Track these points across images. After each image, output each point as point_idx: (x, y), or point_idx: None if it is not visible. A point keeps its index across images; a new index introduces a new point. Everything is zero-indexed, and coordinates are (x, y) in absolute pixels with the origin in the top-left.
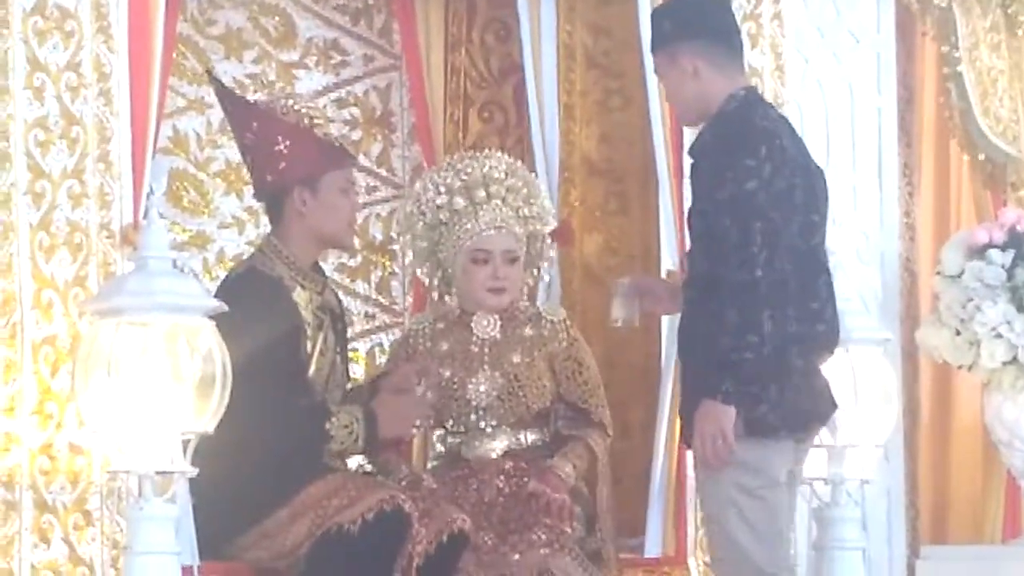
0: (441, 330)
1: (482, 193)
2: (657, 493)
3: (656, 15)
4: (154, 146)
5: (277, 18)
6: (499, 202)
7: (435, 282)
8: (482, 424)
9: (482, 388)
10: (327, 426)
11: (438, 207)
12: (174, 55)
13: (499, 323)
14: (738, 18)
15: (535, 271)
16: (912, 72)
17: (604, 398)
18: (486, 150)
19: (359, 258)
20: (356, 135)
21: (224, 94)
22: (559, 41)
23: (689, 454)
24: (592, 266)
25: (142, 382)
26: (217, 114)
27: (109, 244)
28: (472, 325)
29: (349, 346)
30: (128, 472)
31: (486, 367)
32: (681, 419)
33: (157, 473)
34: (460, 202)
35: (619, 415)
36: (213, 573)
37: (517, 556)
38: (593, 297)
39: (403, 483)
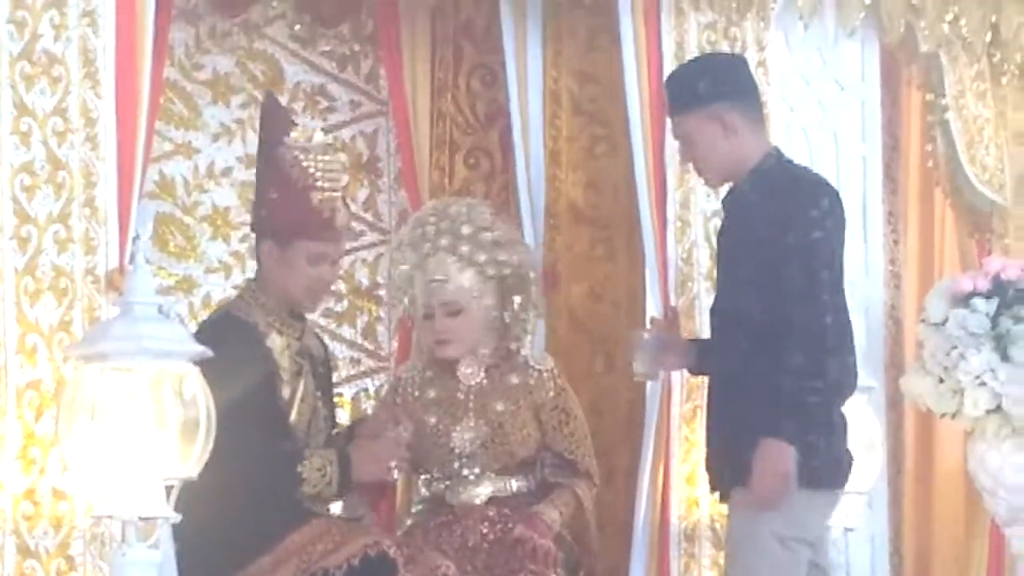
0: (429, 378)
1: (427, 246)
2: (640, 541)
3: (684, 77)
4: (140, 190)
5: (265, 64)
6: (443, 252)
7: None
8: (465, 472)
9: (466, 436)
10: (299, 469)
11: (395, 260)
12: (161, 100)
13: (483, 370)
14: None
15: (510, 315)
16: (897, 120)
17: (591, 448)
18: (442, 197)
19: (345, 303)
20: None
21: (270, 116)
22: (545, 87)
23: (700, 496)
24: (577, 312)
25: (126, 427)
26: (204, 159)
27: (94, 289)
28: (458, 373)
29: (335, 390)
30: (111, 517)
31: (471, 415)
32: (716, 463)
33: (140, 519)
34: (412, 257)
35: (604, 462)
36: None
37: None
38: (578, 343)
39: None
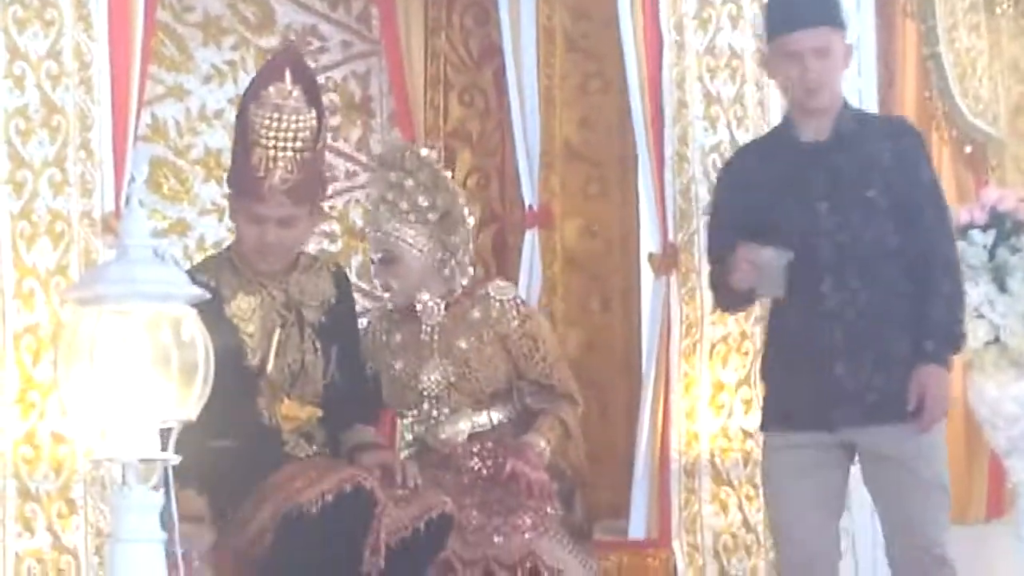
0: (396, 321)
1: (369, 195)
2: (641, 476)
3: None
4: (135, 134)
5: (255, 5)
6: (377, 203)
7: None
8: (435, 412)
9: (433, 377)
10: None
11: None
12: (154, 42)
13: (444, 307)
14: (717, 3)
15: (452, 257)
16: (892, 53)
17: (566, 368)
18: (400, 143)
19: (339, 243)
20: (335, 121)
21: (272, 66)
22: (539, 24)
23: (699, 431)
24: (572, 249)
25: (124, 370)
26: (196, 101)
27: (91, 232)
28: (419, 314)
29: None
30: (111, 460)
31: (436, 355)
32: (858, 392)
33: (140, 461)
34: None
35: (600, 398)
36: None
37: (500, 539)
38: (573, 281)
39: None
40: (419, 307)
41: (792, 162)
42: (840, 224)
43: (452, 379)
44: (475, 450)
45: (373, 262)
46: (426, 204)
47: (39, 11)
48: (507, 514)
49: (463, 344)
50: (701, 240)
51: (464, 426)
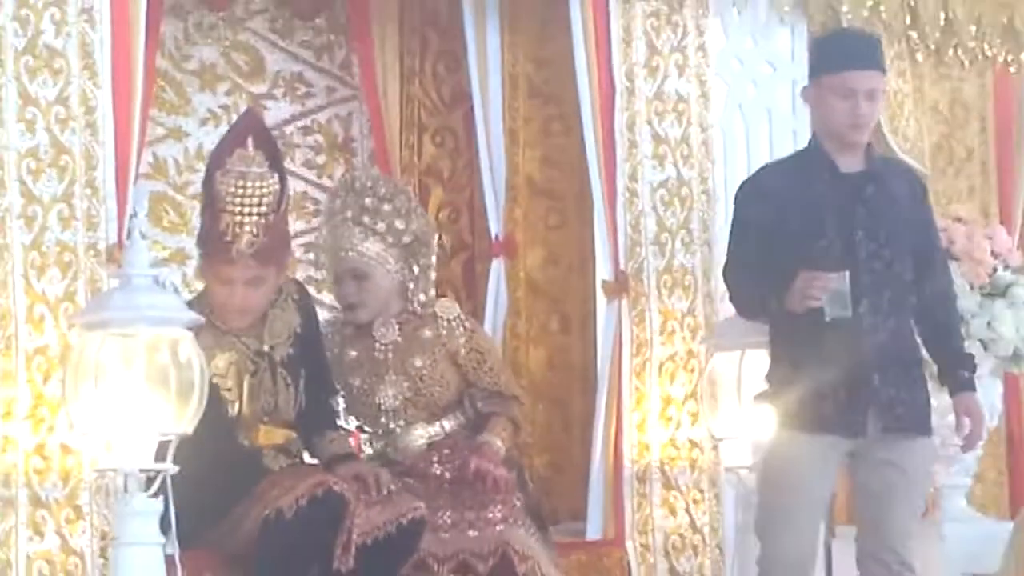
0: (349, 336)
1: (338, 217)
2: (596, 482)
3: (876, 41)
4: (136, 172)
5: (247, 54)
6: (349, 223)
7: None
8: (391, 425)
9: (390, 392)
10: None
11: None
12: (154, 88)
13: (397, 327)
14: (666, 50)
15: (411, 278)
16: None
17: (509, 372)
18: (367, 172)
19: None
20: (321, 159)
21: (235, 132)
22: (504, 72)
23: (649, 442)
24: (534, 276)
25: (127, 388)
26: (193, 142)
27: (96, 262)
28: (373, 332)
29: None
30: (115, 470)
31: (391, 373)
32: (883, 408)
33: (141, 471)
34: (325, 228)
35: (560, 411)
36: (192, 560)
37: (475, 533)
38: (535, 305)
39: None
40: (377, 327)
41: (832, 189)
42: (873, 253)
43: (408, 395)
44: (435, 458)
45: (336, 281)
46: (402, 227)
47: (48, 60)
48: (479, 509)
49: (418, 362)
50: (650, 267)
51: (421, 437)
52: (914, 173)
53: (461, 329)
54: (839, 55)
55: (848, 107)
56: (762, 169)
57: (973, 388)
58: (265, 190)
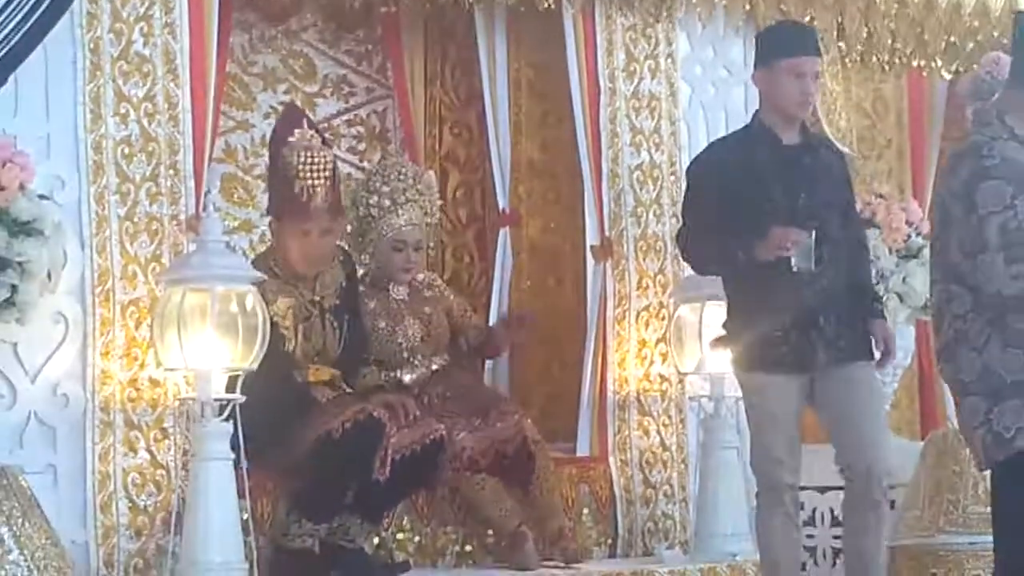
0: (363, 292)
1: (402, 198)
2: (585, 409)
3: (814, 31)
4: (210, 156)
5: (301, 60)
6: (413, 204)
7: (360, 254)
8: (409, 358)
9: (410, 332)
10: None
11: (368, 204)
12: (225, 88)
13: (407, 289)
14: (642, 57)
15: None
16: None
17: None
18: (404, 162)
19: None
20: (362, 147)
21: (289, 118)
22: (509, 75)
23: (628, 376)
24: (535, 242)
25: (202, 333)
26: (258, 132)
27: (177, 230)
28: (388, 288)
29: None
30: (193, 399)
31: (408, 318)
32: (841, 340)
33: (215, 399)
34: (386, 203)
35: (556, 352)
36: (256, 473)
37: (502, 424)
38: (536, 266)
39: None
40: (393, 285)
41: (777, 159)
42: (813, 213)
43: (421, 334)
44: (439, 386)
45: (393, 249)
46: (434, 211)
47: (139, 65)
48: (497, 406)
49: (427, 310)
50: (629, 235)
51: (431, 367)
52: (835, 145)
53: (447, 292)
54: (790, 43)
55: (799, 86)
56: (711, 145)
57: (883, 316)
58: (327, 159)
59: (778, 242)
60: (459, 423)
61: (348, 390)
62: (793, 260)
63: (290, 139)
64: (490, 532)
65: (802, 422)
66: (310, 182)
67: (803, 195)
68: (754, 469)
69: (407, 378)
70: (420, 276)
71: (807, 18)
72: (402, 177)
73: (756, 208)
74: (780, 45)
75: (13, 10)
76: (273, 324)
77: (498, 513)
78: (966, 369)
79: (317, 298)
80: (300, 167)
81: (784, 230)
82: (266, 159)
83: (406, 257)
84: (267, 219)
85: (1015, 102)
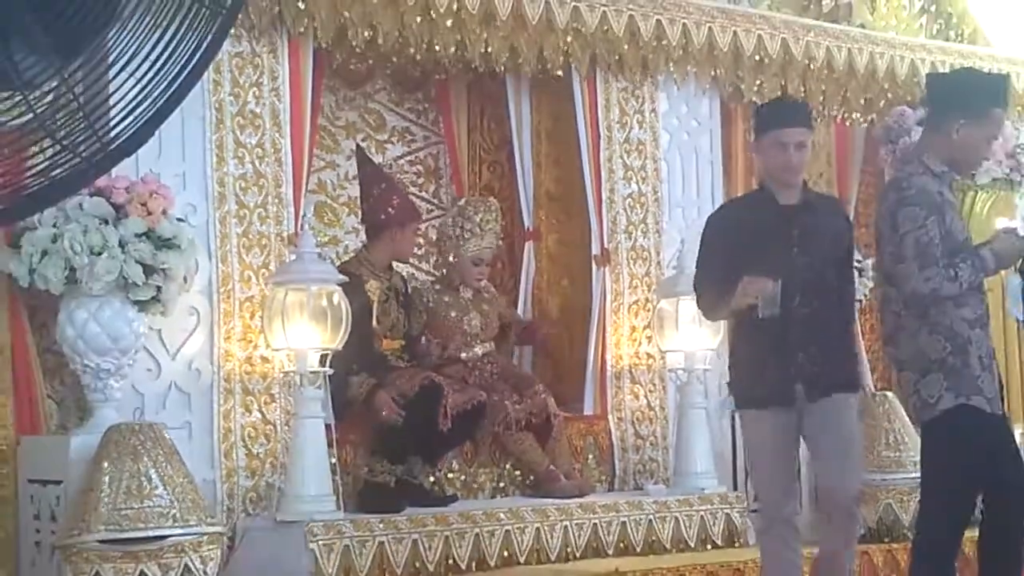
0: (439, 289)
1: (488, 226)
2: (590, 379)
3: (803, 105)
4: (306, 188)
5: (374, 116)
6: (490, 229)
7: (440, 257)
8: (469, 341)
9: (474, 322)
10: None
11: (463, 227)
12: (317, 136)
13: (471, 291)
14: (631, 112)
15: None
16: (729, 140)
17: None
18: (489, 198)
19: (423, 250)
20: (420, 181)
21: (364, 160)
22: (532, 125)
23: (622, 354)
24: (551, 252)
25: (301, 322)
26: (343, 170)
27: (281, 244)
28: (459, 289)
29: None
30: (294, 371)
31: (473, 311)
32: (819, 373)
33: (310, 372)
34: (476, 229)
35: (568, 335)
36: (343, 428)
37: (540, 395)
38: (552, 270)
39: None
40: (463, 288)
41: (774, 218)
42: (807, 265)
43: (481, 324)
44: (489, 364)
45: (473, 263)
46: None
47: (252, 120)
48: (531, 385)
49: (486, 307)
50: (622, 247)
51: (483, 350)
52: (841, 207)
53: (499, 298)
54: (773, 118)
55: (784, 156)
56: (723, 206)
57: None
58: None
59: (743, 289)
60: (505, 395)
61: (407, 362)
62: (760, 306)
63: (373, 162)
64: (527, 472)
65: (798, 453)
66: (400, 187)
67: (795, 249)
68: (756, 496)
69: (463, 355)
70: (482, 283)
71: (758, 83)
72: (490, 211)
73: (753, 261)
74: (766, 120)
75: (159, 79)
76: (365, 308)
77: (537, 458)
78: (903, 350)
79: (390, 288)
80: (400, 186)
81: (750, 279)
82: (349, 191)
83: (481, 270)
84: (349, 235)
85: (928, 144)
